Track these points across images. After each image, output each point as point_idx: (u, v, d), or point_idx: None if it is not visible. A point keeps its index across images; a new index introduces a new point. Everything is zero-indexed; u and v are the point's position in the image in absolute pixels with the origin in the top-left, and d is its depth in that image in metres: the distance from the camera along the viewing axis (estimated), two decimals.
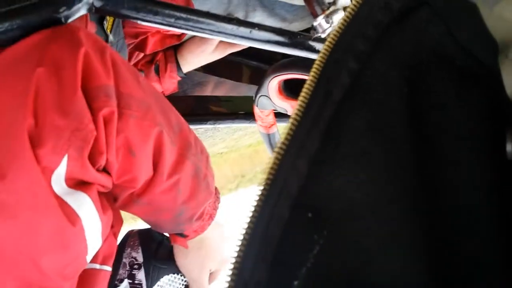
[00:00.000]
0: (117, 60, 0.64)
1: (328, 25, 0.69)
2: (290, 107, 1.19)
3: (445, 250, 0.30)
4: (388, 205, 0.30)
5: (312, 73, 0.32)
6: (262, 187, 0.29)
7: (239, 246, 0.28)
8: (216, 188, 0.79)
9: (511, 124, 0.31)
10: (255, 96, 1.20)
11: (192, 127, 1.30)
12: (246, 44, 0.82)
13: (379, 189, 0.30)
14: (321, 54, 0.33)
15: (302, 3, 1.09)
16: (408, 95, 0.33)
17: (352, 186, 0.29)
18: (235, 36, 0.79)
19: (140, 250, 0.82)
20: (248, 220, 0.28)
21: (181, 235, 0.77)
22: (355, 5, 0.34)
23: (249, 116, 1.40)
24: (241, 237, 0.28)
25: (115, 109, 0.60)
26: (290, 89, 1.19)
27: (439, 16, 0.35)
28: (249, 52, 1.42)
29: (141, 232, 0.86)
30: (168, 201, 0.70)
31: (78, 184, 0.60)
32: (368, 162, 0.30)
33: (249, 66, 1.44)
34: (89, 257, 0.63)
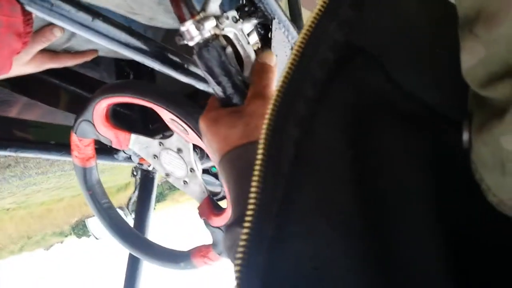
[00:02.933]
0: None
1: (197, 32, 0.60)
2: (115, 137, 1.03)
3: None
4: (338, 278, 0.31)
5: (261, 144, 0.34)
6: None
7: None
8: None
9: (468, 115, 0.32)
10: (75, 121, 1.02)
11: None
12: (83, 34, 0.66)
13: (327, 263, 0.31)
14: (266, 121, 0.34)
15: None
16: (352, 158, 0.33)
17: (301, 261, 0.31)
18: (72, 20, 0.64)
19: None
20: None
21: None
22: (292, 61, 0.35)
23: (61, 147, 1.19)
24: None
25: None
26: (118, 118, 1.05)
27: (376, 61, 0.35)
28: (71, 76, 1.23)
29: None
30: None
31: None
32: (315, 239, 0.32)
33: (68, 91, 1.25)
34: None
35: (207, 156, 1.06)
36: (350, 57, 0.36)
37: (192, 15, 0.60)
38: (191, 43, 0.61)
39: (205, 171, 1.13)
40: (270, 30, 0.91)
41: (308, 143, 0.34)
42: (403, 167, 0.33)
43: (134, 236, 1.14)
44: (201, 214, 1.03)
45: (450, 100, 0.34)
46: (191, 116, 0.89)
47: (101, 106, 0.97)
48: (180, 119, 0.90)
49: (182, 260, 1.08)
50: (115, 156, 1.22)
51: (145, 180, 1.28)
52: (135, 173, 1.30)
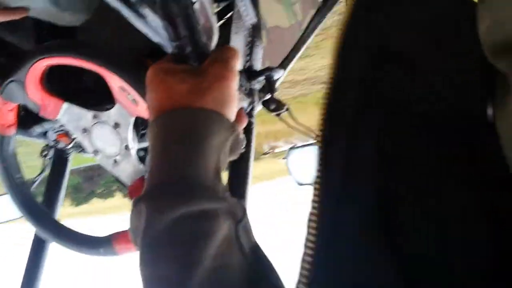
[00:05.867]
0: None
1: None
2: (45, 104, 0.94)
3: None
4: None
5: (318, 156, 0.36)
6: None
7: None
8: None
9: (492, 91, 0.33)
10: (3, 81, 0.92)
11: None
12: None
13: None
14: (319, 127, 0.37)
15: None
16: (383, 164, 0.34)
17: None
18: None
19: None
20: None
21: None
22: (333, 68, 0.37)
23: None
24: None
25: None
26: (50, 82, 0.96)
27: (408, 63, 0.37)
28: None
29: None
30: None
31: None
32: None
33: None
34: None
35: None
36: (385, 60, 0.36)
37: None
38: None
39: None
40: (233, 8, 0.92)
41: (354, 154, 0.35)
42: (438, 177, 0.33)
43: (48, 218, 1.04)
44: (132, 195, 0.98)
45: (468, 97, 0.34)
46: None
47: (39, 66, 0.89)
48: (133, 88, 0.86)
49: (102, 245, 1.01)
50: (29, 130, 1.12)
51: (59, 161, 1.18)
52: (45, 152, 1.20)
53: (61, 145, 1.14)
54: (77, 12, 1.04)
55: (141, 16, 0.74)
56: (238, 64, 0.60)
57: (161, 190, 0.50)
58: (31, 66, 0.88)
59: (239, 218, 0.50)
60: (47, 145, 1.19)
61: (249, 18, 0.95)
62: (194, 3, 0.61)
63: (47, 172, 1.19)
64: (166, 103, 0.54)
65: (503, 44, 0.29)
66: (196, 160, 0.50)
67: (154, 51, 1.00)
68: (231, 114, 0.56)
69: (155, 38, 0.77)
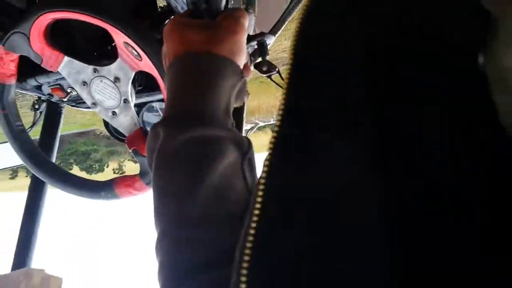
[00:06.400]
0: None
1: None
2: (46, 56, 0.98)
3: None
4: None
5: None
6: None
7: None
8: None
9: (484, 41, 0.32)
10: (6, 32, 0.95)
11: None
12: None
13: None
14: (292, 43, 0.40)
15: None
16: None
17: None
18: None
19: None
20: None
21: None
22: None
23: None
24: None
25: None
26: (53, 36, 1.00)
27: None
28: None
29: None
30: None
31: None
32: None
33: None
34: None
35: (144, 90, 1.08)
36: None
37: None
38: None
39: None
40: None
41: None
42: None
43: (48, 164, 1.09)
44: (130, 145, 1.04)
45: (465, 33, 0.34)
46: (150, 43, 0.91)
47: (44, 19, 0.93)
48: (137, 44, 0.91)
49: (103, 189, 1.07)
50: (23, 83, 1.15)
51: (53, 114, 1.22)
52: (37, 106, 1.23)
53: (55, 99, 1.18)
54: None
55: None
56: (246, 22, 0.67)
57: (176, 117, 0.57)
58: (37, 18, 0.92)
59: (245, 151, 0.57)
60: (38, 98, 1.23)
61: None
62: None
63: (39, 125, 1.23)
64: (183, 49, 0.62)
65: None
66: (210, 95, 0.57)
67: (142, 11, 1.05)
68: (241, 63, 0.64)
69: None
